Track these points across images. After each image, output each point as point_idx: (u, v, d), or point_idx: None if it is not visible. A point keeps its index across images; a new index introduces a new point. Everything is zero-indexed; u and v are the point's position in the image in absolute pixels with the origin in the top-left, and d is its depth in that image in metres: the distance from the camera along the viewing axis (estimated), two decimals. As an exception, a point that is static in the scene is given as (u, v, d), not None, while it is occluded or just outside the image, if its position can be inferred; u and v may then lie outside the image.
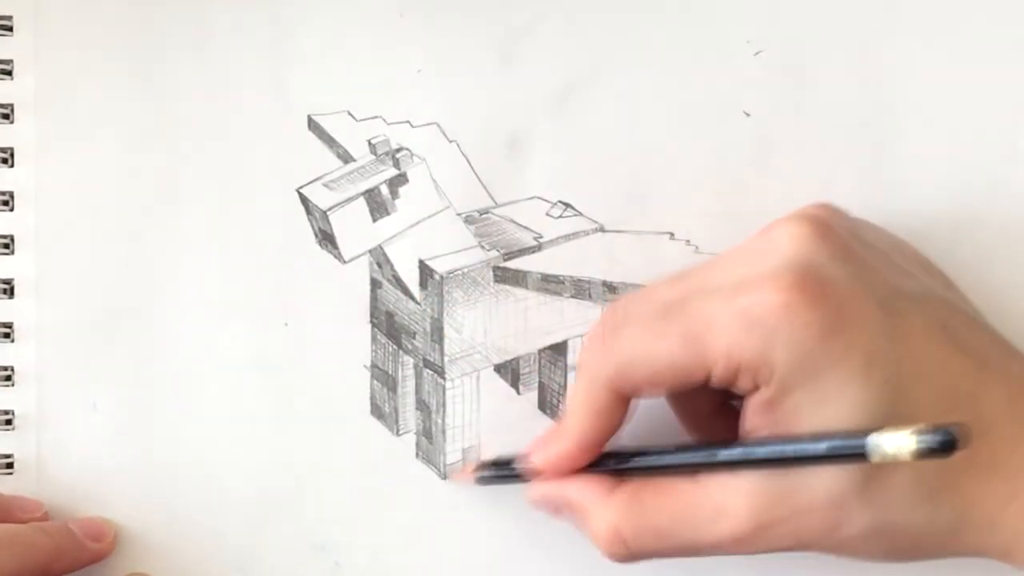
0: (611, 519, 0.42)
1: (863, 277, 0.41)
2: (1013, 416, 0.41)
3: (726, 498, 0.40)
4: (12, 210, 0.48)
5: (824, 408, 0.39)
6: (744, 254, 0.42)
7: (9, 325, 0.49)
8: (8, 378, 0.48)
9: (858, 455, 0.38)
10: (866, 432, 0.38)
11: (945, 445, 0.36)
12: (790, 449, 0.39)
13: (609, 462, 0.44)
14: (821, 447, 0.39)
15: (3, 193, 0.48)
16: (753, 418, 0.41)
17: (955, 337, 0.41)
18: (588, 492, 0.43)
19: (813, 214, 0.42)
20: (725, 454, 0.41)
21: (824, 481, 0.39)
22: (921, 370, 0.40)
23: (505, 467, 0.46)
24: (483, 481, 0.48)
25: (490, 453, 0.48)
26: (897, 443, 0.37)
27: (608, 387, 0.42)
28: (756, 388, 0.40)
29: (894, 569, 0.42)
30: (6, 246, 0.48)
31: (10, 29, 0.48)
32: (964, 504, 0.40)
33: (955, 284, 0.45)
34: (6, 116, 0.48)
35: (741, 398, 0.42)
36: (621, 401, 0.43)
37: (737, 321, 0.39)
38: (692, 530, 0.41)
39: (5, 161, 0.48)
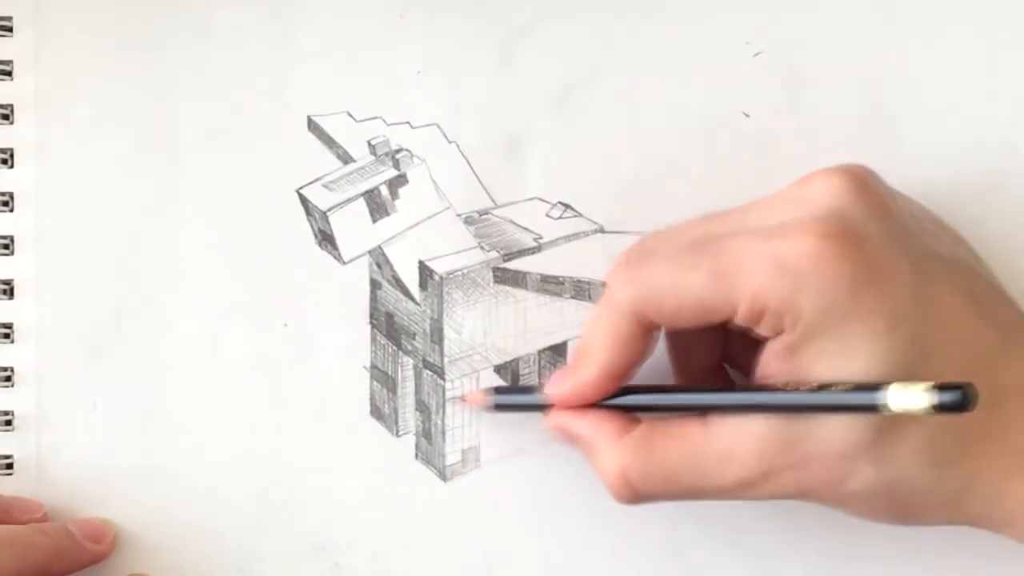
0: (620, 460, 0.42)
1: (897, 235, 0.41)
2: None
3: (735, 443, 0.41)
4: (12, 211, 0.48)
5: (845, 360, 0.39)
6: (781, 201, 0.42)
7: (9, 326, 0.49)
8: (8, 379, 0.48)
9: (871, 407, 0.38)
10: (881, 385, 0.37)
11: (959, 403, 0.36)
12: (804, 396, 0.39)
13: (626, 396, 0.44)
14: (835, 396, 0.39)
15: (3, 194, 0.48)
16: (771, 363, 0.41)
17: (982, 308, 0.41)
18: (601, 430, 0.43)
19: (852, 169, 0.42)
20: (740, 396, 0.41)
21: (835, 432, 0.39)
22: (946, 336, 0.40)
23: (524, 393, 0.47)
24: (498, 408, 0.48)
25: (492, 451, 0.48)
26: (911, 397, 0.37)
27: (633, 316, 0.42)
28: (778, 333, 0.40)
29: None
30: (6, 247, 0.48)
31: (10, 30, 0.48)
32: (971, 472, 0.40)
33: (982, 259, 0.45)
34: (6, 117, 0.48)
35: (738, 360, 0.42)
36: (645, 332, 0.42)
37: (768, 263, 0.39)
38: (699, 474, 0.41)
39: (5, 162, 0.48)
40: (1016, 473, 0.40)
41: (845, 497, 0.41)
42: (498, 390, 0.48)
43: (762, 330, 0.40)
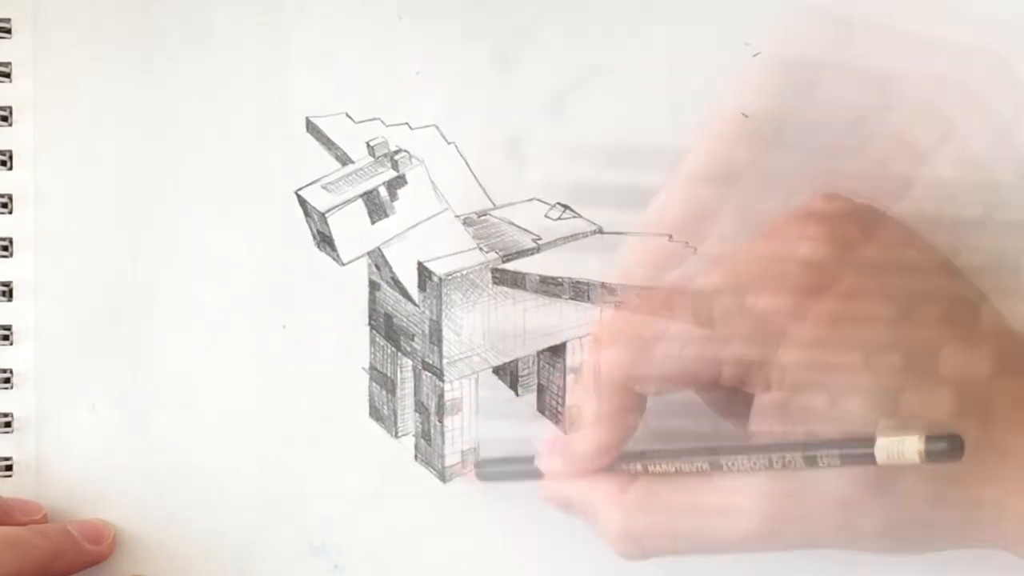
0: (624, 519, 0.42)
1: (872, 273, 0.41)
2: (1022, 412, 0.41)
3: (738, 498, 0.41)
4: (11, 212, 0.49)
5: (834, 407, 0.39)
6: (752, 256, 0.42)
7: (8, 327, 0.49)
8: (7, 380, 0.48)
9: (866, 457, 0.38)
10: (871, 439, 0.38)
11: (952, 451, 0.36)
12: (799, 456, 0.39)
13: (619, 464, 0.44)
14: (828, 452, 0.39)
15: (2, 195, 0.48)
16: (761, 418, 0.41)
17: (968, 333, 0.41)
18: (600, 492, 0.43)
19: (823, 211, 0.42)
20: (731, 460, 0.41)
21: (834, 481, 0.40)
22: (931, 364, 0.40)
23: (516, 464, 0.46)
24: (486, 476, 0.48)
25: (492, 451, 0.48)
26: (905, 447, 0.37)
27: (623, 388, 0.42)
28: (767, 389, 0.40)
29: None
30: (5, 248, 0.48)
31: (8, 31, 0.48)
32: (973, 493, 0.40)
33: (973, 282, 0.45)
34: (5, 118, 0.48)
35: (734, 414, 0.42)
36: (638, 401, 0.43)
37: (746, 323, 0.39)
38: (705, 529, 0.41)
39: (4, 163, 0.48)
40: (1012, 499, 0.40)
41: (854, 541, 0.41)
42: (484, 463, 0.48)
43: (751, 387, 0.40)
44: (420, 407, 0.49)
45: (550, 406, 0.49)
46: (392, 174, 0.48)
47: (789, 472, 0.40)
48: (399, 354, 0.49)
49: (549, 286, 0.49)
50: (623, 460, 0.44)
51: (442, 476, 0.49)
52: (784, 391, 0.40)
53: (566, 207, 0.48)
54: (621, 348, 0.42)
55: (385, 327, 0.49)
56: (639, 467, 0.44)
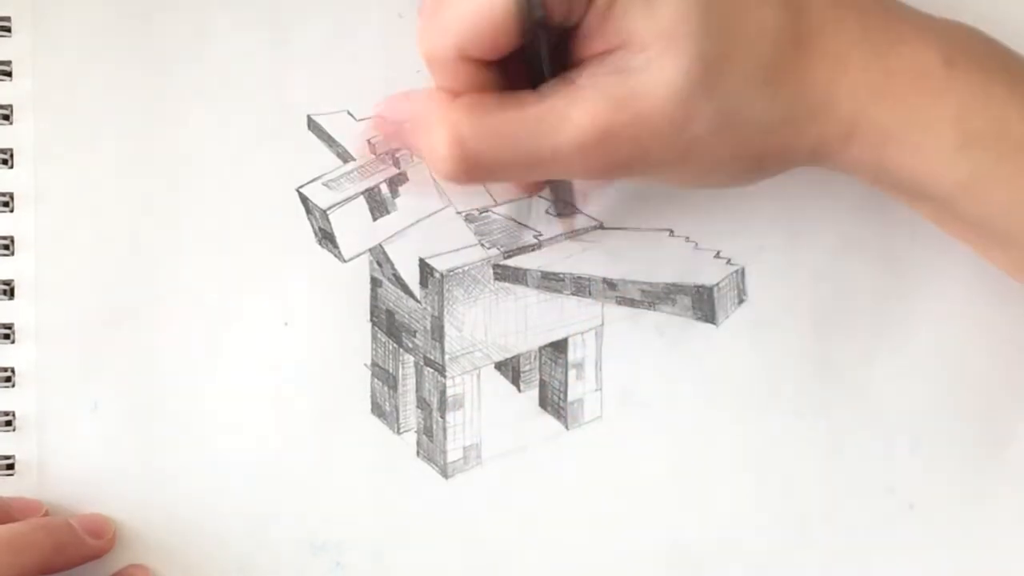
0: (452, 120, 0.40)
1: None
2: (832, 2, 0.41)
3: (569, 105, 0.40)
4: (12, 211, 0.48)
5: (653, 4, 0.39)
6: None
7: (9, 326, 0.48)
8: (8, 379, 0.48)
9: None
10: None
11: None
12: None
13: None
14: None
15: (3, 194, 0.48)
16: (592, 45, 0.40)
17: None
18: (428, 103, 0.41)
19: None
20: None
21: (663, 79, 0.39)
22: None
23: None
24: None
25: (494, 448, 0.49)
26: None
27: (461, 58, 0.40)
28: (588, 7, 0.39)
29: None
30: (6, 247, 0.48)
31: (8, 30, 0.48)
32: (798, 83, 0.40)
33: None
34: (5, 117, 0.48)
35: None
36: (481, 67, 0.41)
37: None
38: (537, 136, 0.40)
39: (4, 162, 0.48)
40: (838, 79, 0.40)
41: (688, 149, 0.40)
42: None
43: (575, 11, 0.39)
44: (422, 403, 0.49)
45: (552, 401, 0.49)
46: (393, 171, 0.49)
47: (621, 77, 0.39)
48: (401, 350, 0.49)
49: (550, 281, 0.49)
50: None
51: (444, 472, 0.49)
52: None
53: (567, 203, 0.49)
54: (441, 22, 0.40)
55: (387, 323, 0.49)
56: None
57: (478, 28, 0.39)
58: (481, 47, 0.40)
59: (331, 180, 0.48)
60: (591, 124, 0.39)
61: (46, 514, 0.48)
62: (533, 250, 0.49)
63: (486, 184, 0.47)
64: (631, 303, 0.49)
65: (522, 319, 0.49)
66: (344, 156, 0.49)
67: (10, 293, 0.48)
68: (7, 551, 0.44)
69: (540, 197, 0.49)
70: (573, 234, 0.49)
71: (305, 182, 0.48)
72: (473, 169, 0.40)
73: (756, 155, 0.42)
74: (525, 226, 0.49)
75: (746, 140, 0.41)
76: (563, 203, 0.48)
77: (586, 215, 0.48)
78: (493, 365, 0.49)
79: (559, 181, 0.47)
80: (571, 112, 0.40)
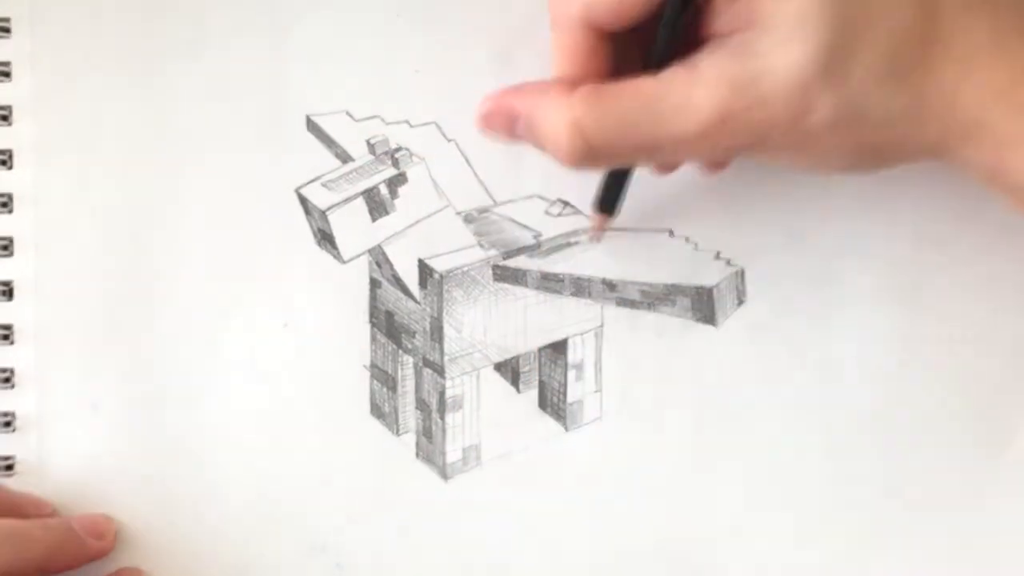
0: (572, 112, 0.40)
1: None
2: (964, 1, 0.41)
3: (690, 89, 0.40)
4: (11, 212, 0.48)
5: None
6: None
7: (9, 327, 0.49)
8: (8, 380, 0.48)
9: None
10: None
11: None
12: None
13: None
14: None
15: (2, 195, 0.48)
16: (718, 23, 0.40)
17: None
18: (543, 95, 0.42)
19: None
20: None
21: (787, 63, 0.39)
22: None
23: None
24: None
25: (493, 449, 0.48)
26: None
27: (583, 24, 0.41)
28: None
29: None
30: (5, 248, 0.48)
31: (7, 31, 0.48)
32: (922, 81, 0.40)
33: None
34: (4, 118, 0.48)
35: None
36: (600, 40, 0.41)
37: None
38: (657, 122, 0.40)
39: (4, 163, 0.48)
40: (963, 80, 0.40)
41: (807, 137, 0.40)
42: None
43: None
44: (421, 404, 0.49)
45: (551, 402, 0.49)
46: (392, 172, 0.49)
47: (743, 59, 0.39)
48: (400, 351, 0.49)
49: (550, 282, 0.49)
50: None
51: (443, 473, 0.49)
52: None
53: (566, 203, 0.49)
54: None
55: (386, 324, 0.49)
56: None
57: None
58: (608, 14, 0.40)
59: (330, 181, 0.48)
60: (713, 108, 0.39)
61: (53, 512, 0.48)
62: (532, 251, 0.48)
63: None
64: (631, 304, 0.48)
65: (521, 320, 0.49)
66: (343, 156, 0.48)
67: (9, 294, 0.49)
68: (6, 544, 0.44)
69: (539, 198, 0.49)
70: (596, 234, 0.48)
71: (304, 183, 0.48)
72: (596, 157, 0.41)
73: (874, 147, 0.41)
74: (524, 226, 0.49)
75: (864, 133, 0.41)
76: (609, 201, 0.47)
77: (586, 216, 0.48)
78: (492, 366, 0.49)
79: (617, 176, 0.47)
80: (692, 96, 0.40)
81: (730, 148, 0.41)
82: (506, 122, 0.43)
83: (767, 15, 0.39)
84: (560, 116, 0.41)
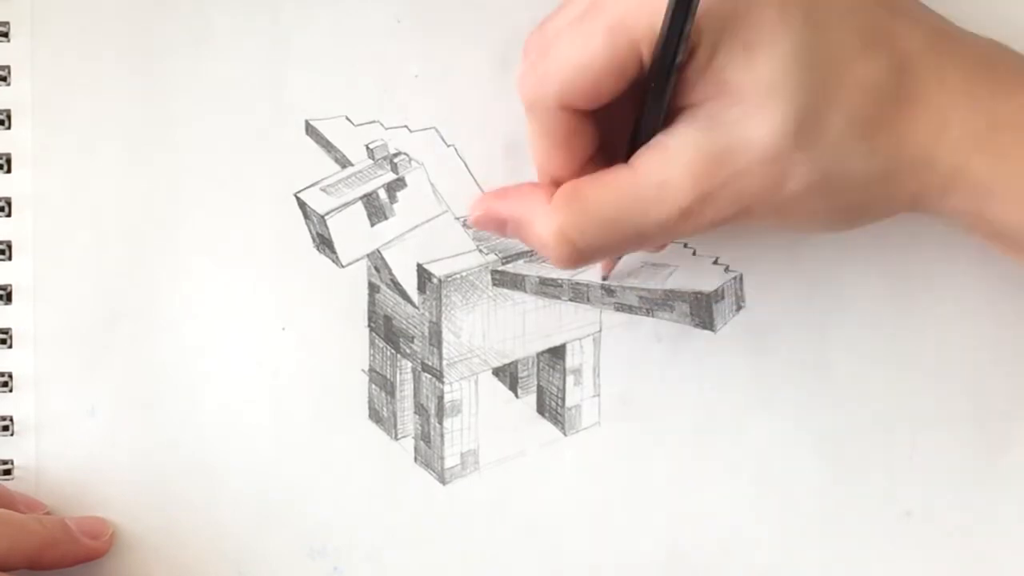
0: (555, 221, 0.41)
1: None
2: (934, 53, 0.41)
3: (666, 172, 0.40)
4: (9, 216, 0.48)
5: (753, 57, 0.39)
6: None
7: (7, 331, 0.48)
8: (6, 384, 0.48)
9: None
10: None
11: None
12: None
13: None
14: None
15: (1, 199, 0.48)
16: (688, 94, 0.40)
17: None
18: (527, 202, 0.42)
19: None
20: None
21: (759, 135, 0.39)
22: (833, 12, 0.40)
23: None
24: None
25: (491, 454, 0.48)
26: None
27: (560, 108, 0.41)
28: (689, 57, 0.40)
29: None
30: (3, 252, 0.48)
31: (6, 35, 0.48)
32: (898, 139, 0.40)
33: None
34: (3, 122, 0.48)
35: None
36: (580, 120, 0.42)
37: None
38: (638, 214, 0.40)
39: (2, 167, 0.48)
40: (941, 133, 0.40)
41: (787, 203, 0.40)
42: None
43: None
44: (420, 409, 0.49)
45: (550, 407, 0.49)
46: (391, 176, 0.49)
47: (714, 134, 0.39)
48: (399, 356, 0.49)
49: (548, 287, 0.49)
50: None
51: (441, 478, 0.49)
52: (705, 49, 0.39)
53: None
54: (544, 71, 0.41)
55: (385, 329, 0.49)
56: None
57: (582, 77, 0.40)
58: (583, 96, 0.40)
59: (329, 185, 0.48)
60: (690, 188, 0.40)
61: (47, 513, 0.48)
62: (531, 256, 0.48)
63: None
64: (629, 309, 0.49)
65: (520, 325, 0.49)
66: (342, 161, 0.48)
67: (7, 298, 0.48)
68: (1, 531, 0.44)
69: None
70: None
71: (303, 187, 0.48)
72: (587, 258, 0.42)
73: (855, 207, 0.42)
74: None
75: (844, 194, 0.41)
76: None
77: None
78: (491, 371, 0.49)
79: None
80: (668, 180, 0.40)
81: (716, 221, 0.41)
82: (496, 225, 0.44)
83: (736, 83, 0.39)
84: (544, 225, 0.42)
